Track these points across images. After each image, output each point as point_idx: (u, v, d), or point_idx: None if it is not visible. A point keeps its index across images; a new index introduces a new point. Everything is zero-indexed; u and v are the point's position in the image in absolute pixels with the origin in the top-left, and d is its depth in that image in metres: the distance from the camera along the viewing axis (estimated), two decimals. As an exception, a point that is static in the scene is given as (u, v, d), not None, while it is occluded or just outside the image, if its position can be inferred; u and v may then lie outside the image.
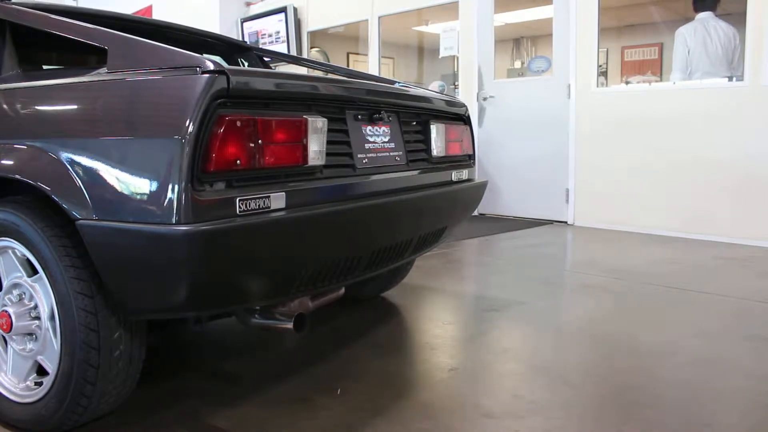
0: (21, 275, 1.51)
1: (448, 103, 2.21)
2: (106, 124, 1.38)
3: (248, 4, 7.50)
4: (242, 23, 7.39)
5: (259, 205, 1.33)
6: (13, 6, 1.83)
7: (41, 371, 1.51)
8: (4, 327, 1.51)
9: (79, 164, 1.35)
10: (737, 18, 4.29)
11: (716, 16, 4.03)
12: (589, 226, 4.72)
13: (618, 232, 4.46)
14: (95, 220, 1.31)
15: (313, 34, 7.00)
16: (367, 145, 1.74)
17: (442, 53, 5.75)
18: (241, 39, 7.14)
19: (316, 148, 1.48)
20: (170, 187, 1.22)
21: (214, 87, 1.25)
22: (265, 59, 2.97)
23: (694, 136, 4.19)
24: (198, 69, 1.28)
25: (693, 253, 3.71)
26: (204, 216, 1.23)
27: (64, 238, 1.40)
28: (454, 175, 2.17)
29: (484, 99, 5.38)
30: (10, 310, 1.50)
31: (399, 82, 2.39)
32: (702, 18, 4.05)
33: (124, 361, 1.44)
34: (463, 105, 2.32)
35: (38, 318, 1.48)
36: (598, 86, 4.75)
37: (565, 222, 4.88)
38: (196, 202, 1.23)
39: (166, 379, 1.84)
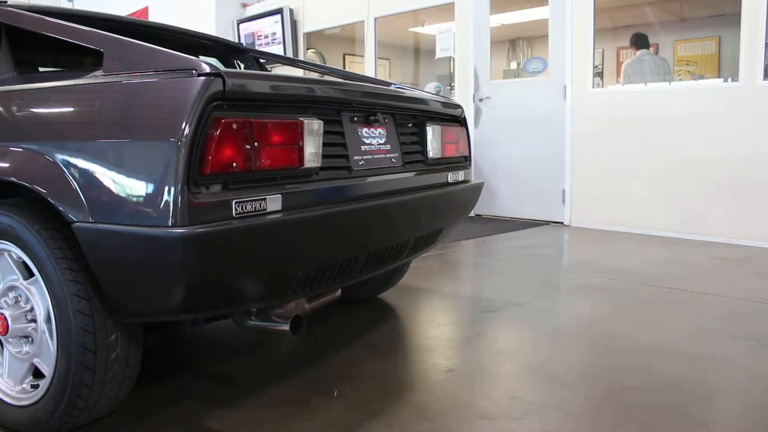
0: (17, 278, 1.51)
1: (444, 104, 2.21)
2: (103, 126, 1.38)
3: (244, 6, 7.50)
4: (238, 25, 7.39)
5: (255, 208, 1.33)
6: (9, 8, 1.83)
7: (37, 374, 1.51)
8: (0, 330, 1.51)
9: (75, 167, 1.35)
10: (732, 19, 4.31)
11: (651, 52, 5.52)
12: (586, 226, 4.73)
13: (615, 233, 4.47)
14: (91, 222, 1.31)
15: (309, 36, 7.01)
16: (363, 147, 1.74)
17: (439, 54, 5.76)
18: (237, 41, 7.14)
19: (312, 150, 1.48)
20: (166, 189, 1.22)
21: (210, 89, 1.26)
22: (261, 61, 2.97)
23: (690, 137, 4.20)
24: (194, 71, 1.28)
25: (690, 254, 3.72)
26: (200, 218, 1.23)
27: (60, 241, 1.40)
28: (450, 177, 2.18)
29: (480, 100, 5.38)
30: (6, 313, 1.50)
31: (395, 84, 2.39)
32: (641, 53, 5.39)
33: (120, 363, 1.44)
34: (459, 106, 2.33)
35: (34, 320, 1.48)
36: (593, 87, 4.76)
37: (562, 223, 4.88)
38: (192, 204, 1.23)
39: (163, 381, 1.84)
